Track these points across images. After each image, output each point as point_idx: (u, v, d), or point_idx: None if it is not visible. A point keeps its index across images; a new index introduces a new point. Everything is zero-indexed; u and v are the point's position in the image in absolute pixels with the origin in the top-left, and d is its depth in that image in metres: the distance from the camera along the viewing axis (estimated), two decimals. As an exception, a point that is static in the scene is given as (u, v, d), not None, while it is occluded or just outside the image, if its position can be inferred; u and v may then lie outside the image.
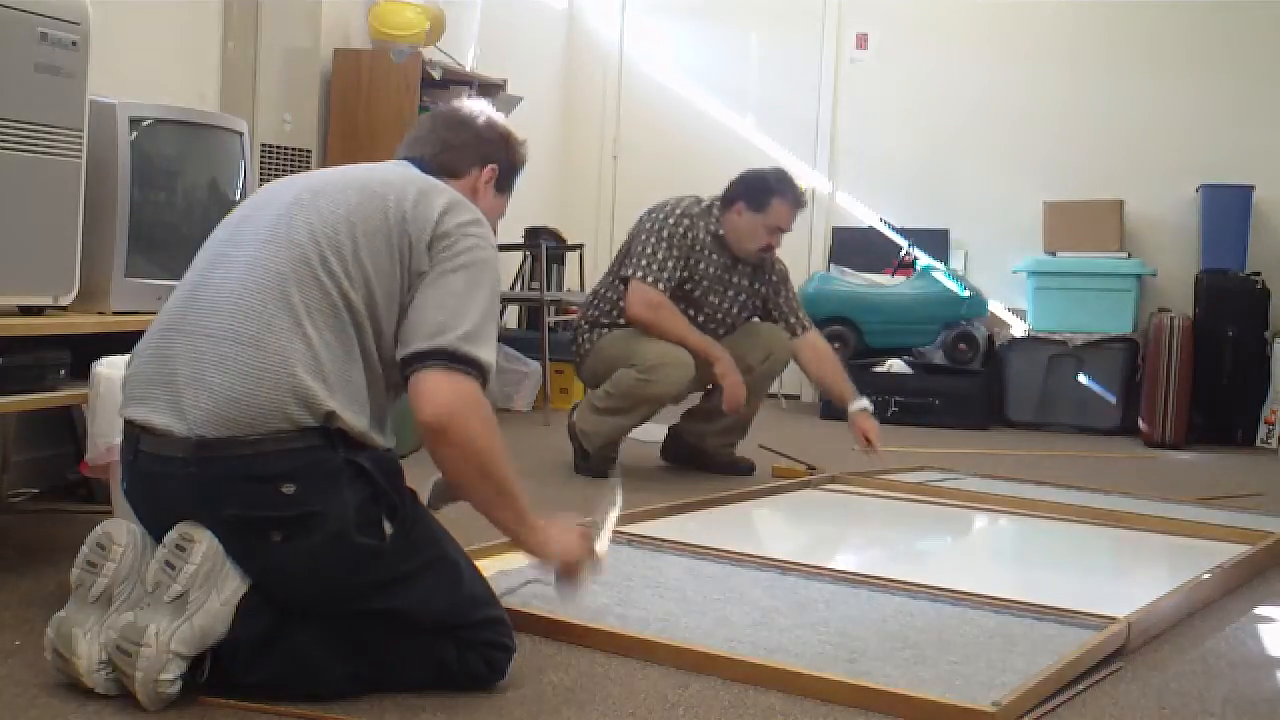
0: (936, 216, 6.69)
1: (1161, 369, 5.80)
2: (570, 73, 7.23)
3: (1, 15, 2.43)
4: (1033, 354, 6.20)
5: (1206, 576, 2.90)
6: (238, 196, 3.16)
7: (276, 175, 4.12)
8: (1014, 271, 6.37)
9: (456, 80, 4.98)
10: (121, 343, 2.32)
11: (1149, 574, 3.31)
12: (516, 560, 2.65)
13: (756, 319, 4.32)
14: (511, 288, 6.23)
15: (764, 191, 4.11)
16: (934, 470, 4.55)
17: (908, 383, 6.10)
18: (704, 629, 2.35)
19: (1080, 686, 2.17)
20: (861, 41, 6.87)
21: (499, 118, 2.34)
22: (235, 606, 1.86)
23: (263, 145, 4.25)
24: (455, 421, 1.93)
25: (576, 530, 2.21)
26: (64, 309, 2.68)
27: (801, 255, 6.70)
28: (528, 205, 6.33)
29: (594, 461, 4.09)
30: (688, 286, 4.10)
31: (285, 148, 4.35)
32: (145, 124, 2.92)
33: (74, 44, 2.58)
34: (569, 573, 2.17)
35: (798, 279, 6.33)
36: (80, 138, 2.63)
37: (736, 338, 4.21)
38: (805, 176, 6.49)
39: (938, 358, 6.17)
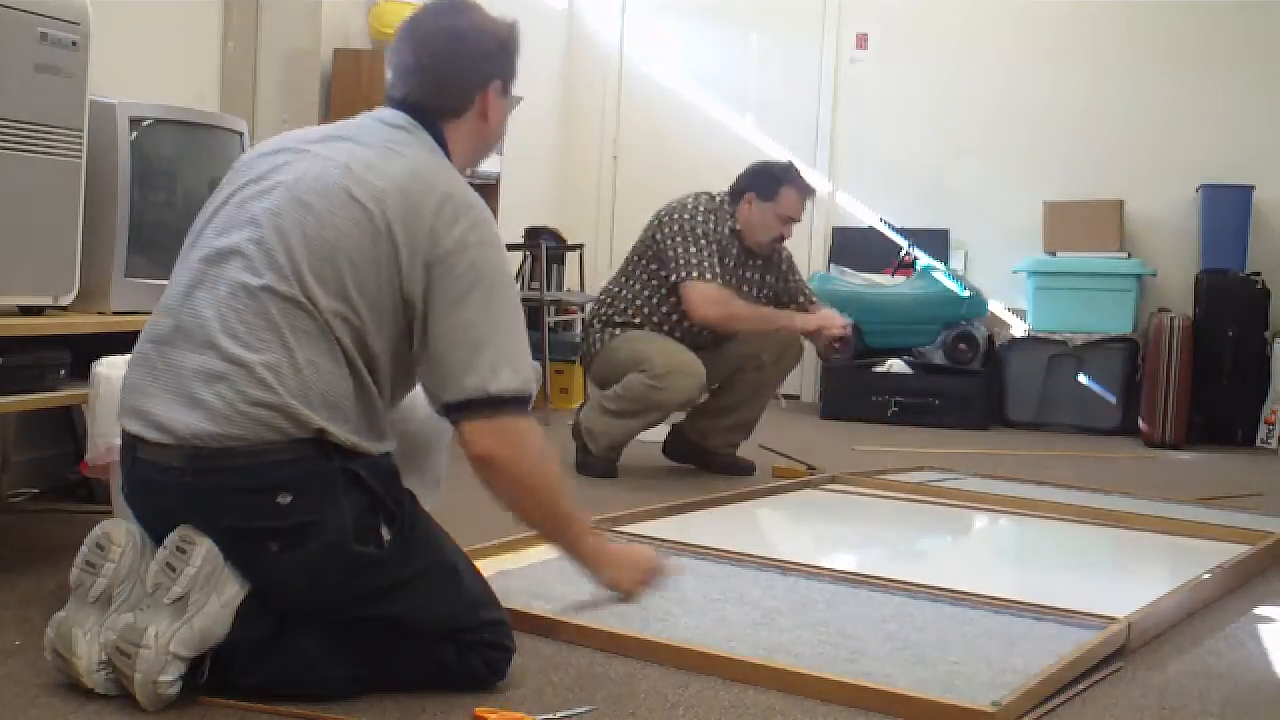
0: (936, 216, 6.69)
1: (1161, 369, 5.80)
2: (570, 73, 7.23)
3: (1, 15, 2.43)
4: (1033, 354, 6.20)
5: (1206, 576, 2.89)
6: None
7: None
8: (1014, 271, 6.37)
9: (456, 80, 4.97)
10: (121, 343, 2.32)
11: (1149, 574, 3.30)
12: (516, 560, 2.67)
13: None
14: (511, 288, 6.21)
15: (773, 181, 4.14)
16: (934, 470, 4.55)
17: (908, 383, 6.10)
18: (704, 629, 2.35)
19: (1080, 686, 2.17)
20: (861, 41, 6.87)
21: (488, 18, 2.12)
22: (235, 609, 1.86)
23: (263, 145, 4.24)
24: (498, 463, 1.97)
25: (637, 554, 2.35)
26: (64, 309, 2.68)
27: (801, 255, 6.66)
28: (528, 205, 6.33)
29: (597, 461, 4.09)
30: None
31: (285, 148, 4.33)
32: (145, 124, 2.92)
33: (74, 44, 2.58)
34: (627, 598, 2.35)
35: (798, 279, 6.38)
36: (80, 138, 2.63)
37: (749, 334, 4.20)
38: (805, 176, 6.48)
39: (938, 358, 6.16)
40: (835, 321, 4.16)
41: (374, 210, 1.91)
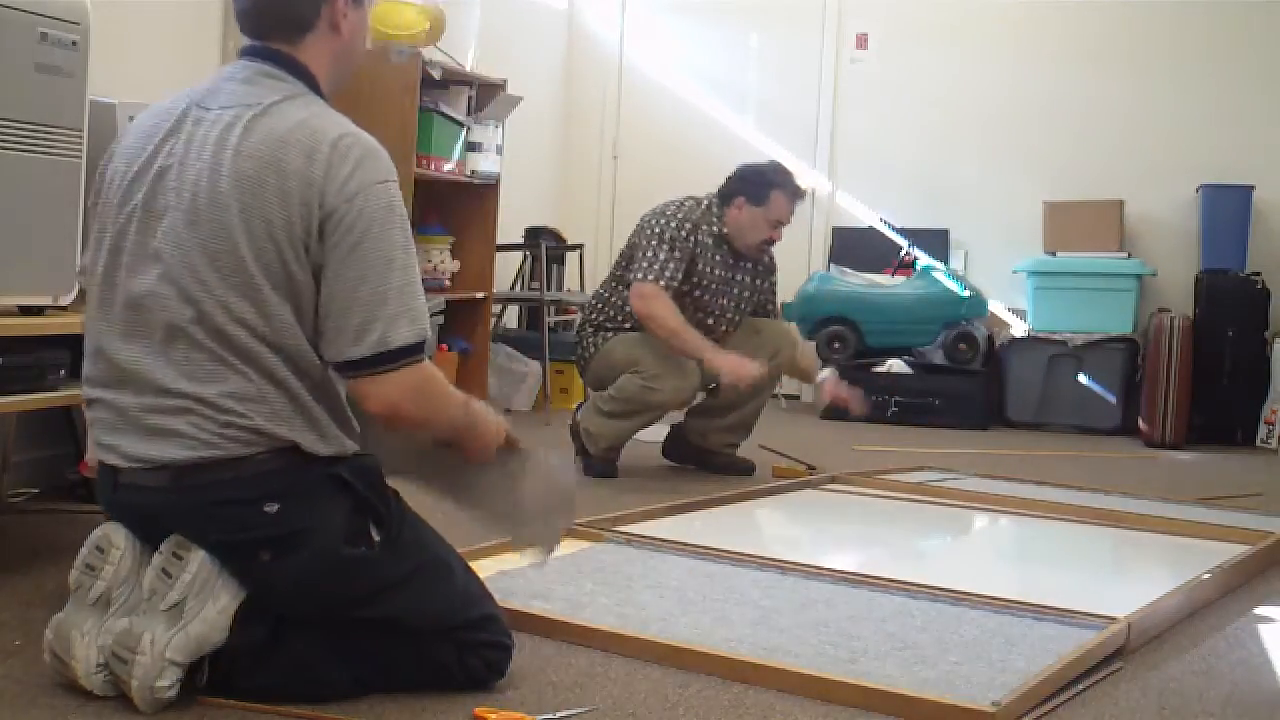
0: (936, 216, 6.69)
1: (1161, 369, 5.80)
2: (570, 73, 7.23)
3: (1, 15, 2.43)
4: (1033, 354, 6.19)
5: (1206, 576, 2.90)
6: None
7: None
8: (1014, 271, 6.37)
9: (456, 80, 4.97)
10: (121, 343, 2.31)
11: (1149, 574, 3.31)
12: (516, 560, 2.66)
13: (754, 316, 4.33)
14: (512, 287, 6.23)
15: (763, 184, 4.12)
16: (934, 470, 4.55)
17: (908, 383, 6.10)
18: (704, 629, 2.35)
19: (1080, 686, 2.17)
20: (861, 41, 6.87)
21: None
22: (232, 615, 1.86)
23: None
24: (401, 414, 1.91)
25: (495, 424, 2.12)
26: (64, 309, 2.68)
27: (801, 255, 6.70)
28: (528, 205, 6.34)
29: (597, 462, 4.10)
30: (696, 292, 4.09)
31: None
32: (145, 124, 2.92)
33: (74, 44, 2.58)
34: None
35: (798, 279, 6.38)
36: (80, 138, 2.63)
37: (741, 337, 4.20)
38: (805, 176, 6.45)
39: (938, 358, 6.16)
40: (745, 374, 3.91)
41: (262, 198, 1.83)
